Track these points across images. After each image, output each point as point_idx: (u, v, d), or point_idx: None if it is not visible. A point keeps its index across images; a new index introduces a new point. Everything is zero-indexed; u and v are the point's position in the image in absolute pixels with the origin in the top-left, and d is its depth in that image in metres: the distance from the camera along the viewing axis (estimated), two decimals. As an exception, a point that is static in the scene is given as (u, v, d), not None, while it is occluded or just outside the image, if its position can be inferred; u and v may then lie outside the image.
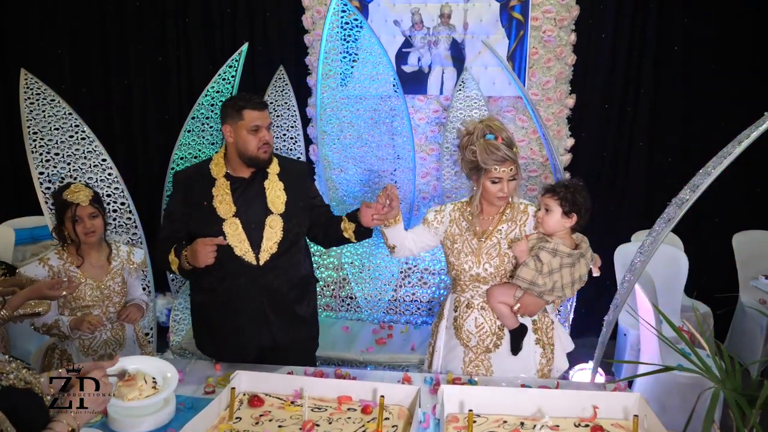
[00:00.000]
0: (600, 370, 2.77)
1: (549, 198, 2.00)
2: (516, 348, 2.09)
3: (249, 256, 2.16)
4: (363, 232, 2.26)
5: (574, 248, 2.01)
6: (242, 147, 2.15)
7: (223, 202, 2.16)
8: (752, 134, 1.99)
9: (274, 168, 2.25)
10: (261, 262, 2.16)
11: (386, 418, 1.70)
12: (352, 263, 3.71)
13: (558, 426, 1.73)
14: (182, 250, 2.12)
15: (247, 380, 1.93)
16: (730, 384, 1.53)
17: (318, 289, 3.75)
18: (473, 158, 2.01)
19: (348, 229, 2.25)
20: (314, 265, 3.72)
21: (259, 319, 2.21)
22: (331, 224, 2.31)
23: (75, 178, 2.79)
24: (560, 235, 2.00)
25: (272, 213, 2.18)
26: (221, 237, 2.10)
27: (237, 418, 1.77)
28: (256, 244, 2.16)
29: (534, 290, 1.98)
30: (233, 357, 2.22)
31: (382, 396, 1.68)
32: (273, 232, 2.17)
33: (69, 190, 2.27)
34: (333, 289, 3.80)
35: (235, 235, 2.14)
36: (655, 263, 3.33)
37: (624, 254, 3.59)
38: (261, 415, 1.79)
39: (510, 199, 2.11)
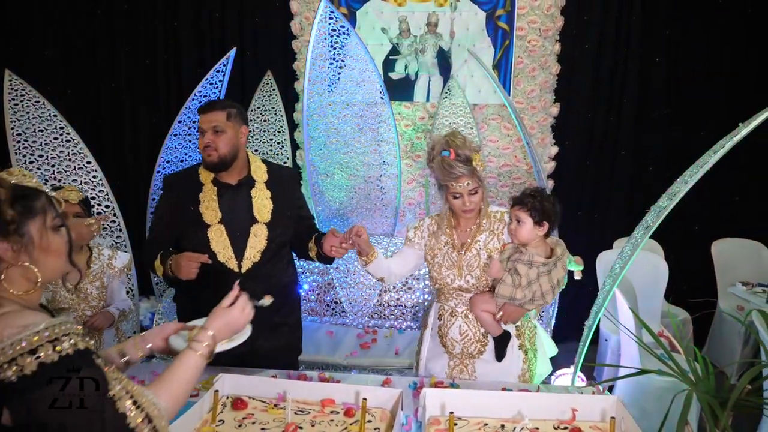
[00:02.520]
0: (581, 374, 2.81)
1: (518, 210, 2.00)
2: (500, 354, 2.11)
3: (231, 263, 2.16)
4: (324, 258, 2.25)
5: (549, 254, 2.03)
6: None
7: (209, 207, 2.17)
8: (726, 144, 2.06)
9: (261, 176, 2.25)
10: (243, 270, 2.17)
11: (369, 421, 1.72)
12: (337, 268, 3.73)
13: (537, 428, 1.76)
14: (168, 257, 2.12)
15: (230, 383, 1.93)
16: (703, 386, 1.58)
17: (303, 293, 3.77)
18: (434, 175, 2.03)
19: (312, 249, 2.27)
20: (299, 270, 3.74)
21: None
22: (307, 238, 2.30)
23: (59, 181, 2.79)
24: (534, 243, 2.02)
25: (257, 221, 2.19)
26: (206, 256, 2.09)
27: (220, 420, 1.78)
28: (239, 252, 2.16)
29: (514, 303, 2.00)
30: (211, 362, 2.22)
31: (365, 399, 1.70)
32: (257, 241, 2.18)
33: (62, 190, 2.27)
34: (318, 294, 3.81)
35: (219, 241, 2.15)
36: (636, 270, 3.38)
37: (606, 261, 3.64)
38: (244, 418, 1.80)
39: (482, 209, 2.11)
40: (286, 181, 2.32)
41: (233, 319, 1.37)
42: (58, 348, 0.94)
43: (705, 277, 4.01)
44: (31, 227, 1.07)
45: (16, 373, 0.90)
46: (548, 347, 2.29)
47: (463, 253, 2.11)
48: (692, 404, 1.65)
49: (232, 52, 3.34)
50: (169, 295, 3.48)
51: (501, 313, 2.04)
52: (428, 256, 2.18)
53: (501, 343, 2.10)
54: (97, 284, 2.35)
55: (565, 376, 3.35)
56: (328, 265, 3.71)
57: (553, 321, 3.53)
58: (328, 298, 3.79)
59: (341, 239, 2.10)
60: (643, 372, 1.74)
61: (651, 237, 3.94)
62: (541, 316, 3.33)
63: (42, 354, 0.92)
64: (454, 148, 1.96)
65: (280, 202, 2.25)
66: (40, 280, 1.09)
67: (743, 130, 2.05)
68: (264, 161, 2.32)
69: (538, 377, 2.22)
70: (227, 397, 1.89)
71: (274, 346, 2.28)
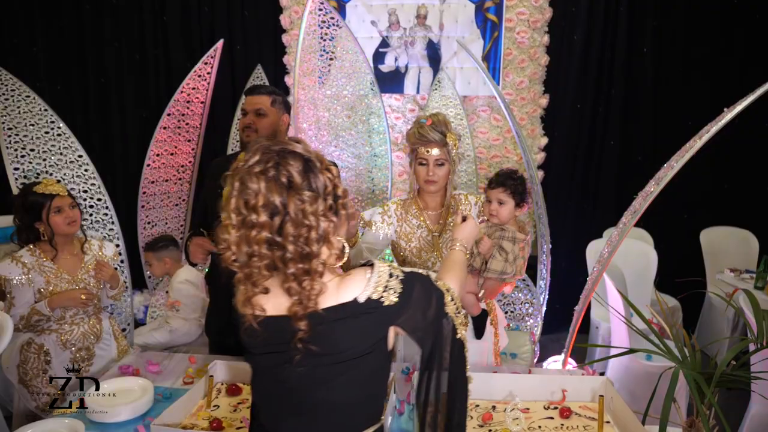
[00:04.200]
0: (571, 360, 2.85)
1: (501, 192, 2.06)
2: (481, 332, 2.16)
3: None
4: None
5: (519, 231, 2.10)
6: None
7: None
8: (712, 129, 2.08)
9: None
10: None
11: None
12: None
13: (528, 409, 1.79)
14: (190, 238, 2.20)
15: (224, 370, 1.96)
16: (689, 364, 1.61)
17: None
18: (407, 141, 2.11)
19: None
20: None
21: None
22: None
23: (51, 174, 2.78)
24: (511, 222, 2.09)
25: None
26: (212, 246, 2.14)
27: (215, 405, 1.80)
28: None
29: (502, 278, 2.05)
30: (220, 344, 2.27)
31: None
32: None
33: (41, 184, 2.24)
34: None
35: None
36: (626, 258, 3.42)
37: (595, 250, 3.68)
38: (239, 403, 1.82)
39: (448, 192, 2.16)
40: None
41: (471, 227, 1.67)
42: (400, 269, 1.19)
43: (694, 265, 4.06)
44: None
45: (396, 294, 1.14)
46: (503, 319, 2.34)
47: (438, 235, 2.15)
48: (680, 385, 1.69)
49: (220, 42, 3.35)
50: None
51: (483, 291, 2.09)
52: (402, 241, 2.19)
53: (481, 321, 2.16)
54: (93, 274, 2.34)
55: (556, 363, 3.38)
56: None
57: (544, 308, 3.56)
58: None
59: None
60: (631, 351, 1.78)
61: (641, 226, 4.02)
62: (532, 303, 3.37)
63: (397, 274, 1.16)
64: (434, 119, 2.06)
65: None
66: (347, 250, 1.22)
67: (728, 115, 2.08)
68: None
69: (501, 348, 2.26)
70: (221, 383, 1.91)
71: None
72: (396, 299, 1.14)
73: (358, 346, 1.15)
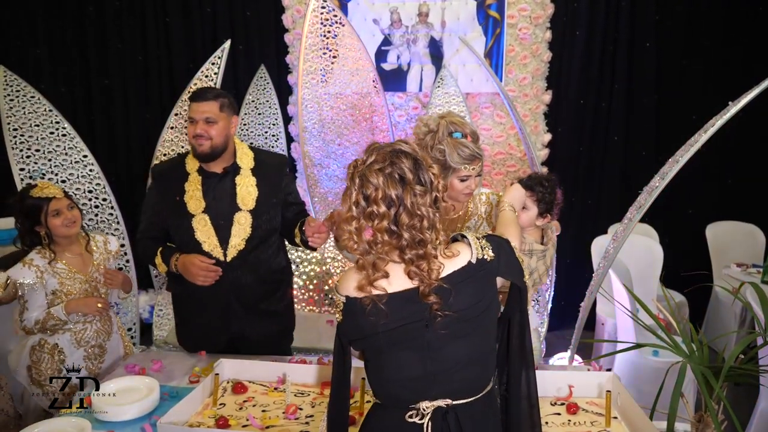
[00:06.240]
0: (577, 356, 2.84)
1: (527, 197, 1.91)
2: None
3: (217, 252, 2.16)
4: (309, 244, 2.21)
5: (540, 236, 2.00)
6: None
7: (193, 197, 2.16)
8: (717, 123, 2.08)
9: (247, 163, 2.24)
10: (228, 258, 2.16)
11: (368, 402, 1.74)
12: (334, 258, 3.74)
13: (535, 405, 1.78)
14: (170, 255, 2.14)
15: (229, 368, 1.96)
16: (697, 358, 1.60)
17: (301, 283, 3.79)
18: (441, 158, 1.83)
19: (297, 235, 2.25)
20: (298, 260, 3.76)
21: (226, 313, 2.22)
22: (294, 225, 2.28)
23: (56, 174, 2.79)
24: (530, 230, 1.98)
25: (240, 209, 2.18)
26: (216, 267, 2.12)
27: (221, 404, 1.80)
28: (224, 241, 2.16)
29: None
30: (201, 349, 2.24)
31: (363, 378, 1.72)
32: (241, 229, 2.17)
33: (36, 188, 2.21)
34: (316, 284, 3.82)
35: (203, 231, 2.15)
36: (631, 253, 3.41)
37: (600, 246, 3.66)
38: (245, 401, 1.82)
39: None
40: (273, 168, 2.30)
41: (517, 189, 1.85)
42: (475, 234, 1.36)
43: (700, 260, 4.05)
44: None
45: (490, 249, 1.30)
46: None
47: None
48: (688, 381, 1.68)
49: (227, 43, 3.34)
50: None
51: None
52: None
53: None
54: (102, 272, 2.34)
55: (562, 360, 3.38)
56: (328, 256, 3.73)
57: (549, 305, 3.56)
58: (327, 288, 3.80)
59: (318, 227, 2.08)
60: (638, 346, 1.77)
61: (646, 222, 4.00)
62: (537, 300, 3.36)
63: (480, 236, 1.33)
64: (462, 128, 1.87)
65: (266, 188, 2.23)
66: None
67: (733, 108, 2.07)
68: (252, 148, 2.30)
69: None
70: (227, 382, 1.92)
71: (266, 333, 2.29)
72: (492, 254, 1.30)
73: (482, 302, 1.29)
